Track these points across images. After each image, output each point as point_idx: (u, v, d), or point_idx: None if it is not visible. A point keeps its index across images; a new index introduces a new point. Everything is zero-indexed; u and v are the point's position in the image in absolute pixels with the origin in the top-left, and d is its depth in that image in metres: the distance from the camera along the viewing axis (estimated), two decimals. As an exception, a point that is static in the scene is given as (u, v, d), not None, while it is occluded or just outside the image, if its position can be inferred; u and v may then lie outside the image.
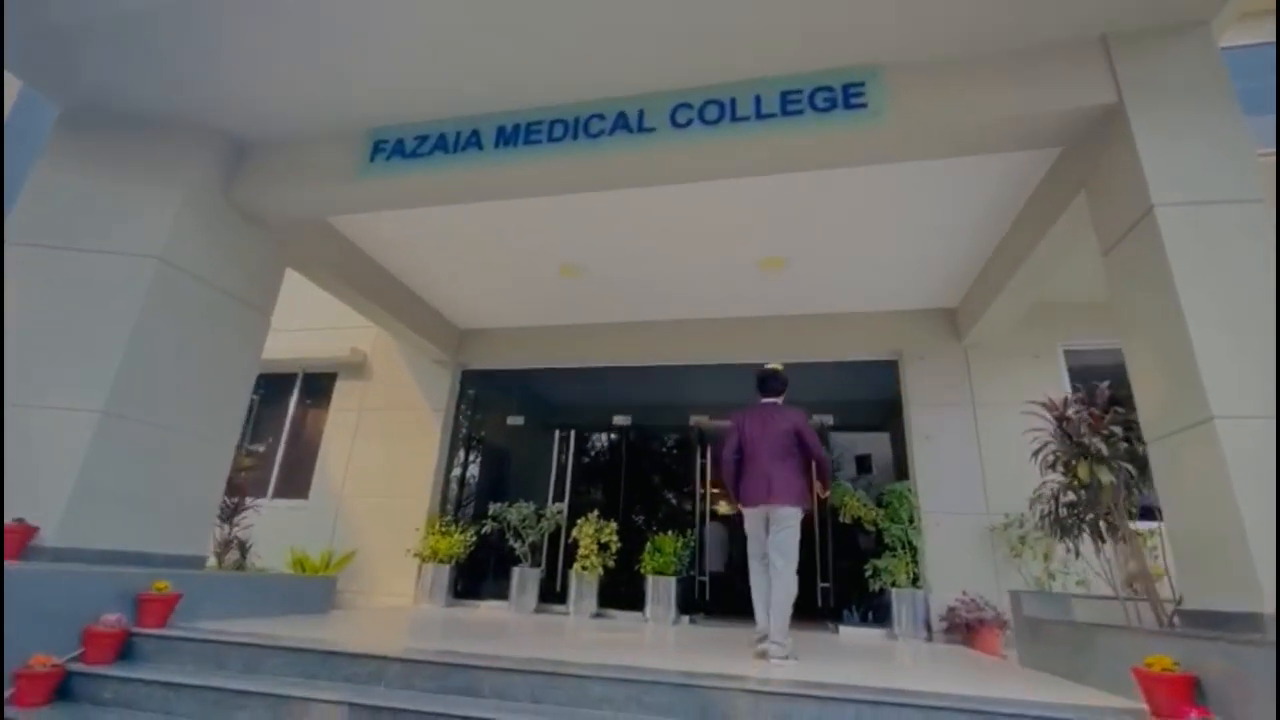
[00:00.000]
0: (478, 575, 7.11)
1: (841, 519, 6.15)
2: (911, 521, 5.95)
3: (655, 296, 6.87)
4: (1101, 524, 3.58)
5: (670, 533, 6.43)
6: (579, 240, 5.82)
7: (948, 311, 6.75)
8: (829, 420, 6.91)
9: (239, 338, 4.83)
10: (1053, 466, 3.87)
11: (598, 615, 6.29)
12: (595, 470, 7.54)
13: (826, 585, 6.61)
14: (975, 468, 6.12)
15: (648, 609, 6.09)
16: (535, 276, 6.55)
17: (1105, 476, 3.20)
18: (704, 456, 7.26)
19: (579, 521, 6.60)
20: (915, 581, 5.77)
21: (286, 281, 5.79)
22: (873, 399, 7.18)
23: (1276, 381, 2.78)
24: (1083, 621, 3.38)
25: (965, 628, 5.36)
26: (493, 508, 6.86)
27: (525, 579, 6.53)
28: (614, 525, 6.54)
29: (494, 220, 5.56)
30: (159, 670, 3.10)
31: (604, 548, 6.45)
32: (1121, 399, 3.44)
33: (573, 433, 7.45)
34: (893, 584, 5.73)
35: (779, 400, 4.30)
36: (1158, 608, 3.33)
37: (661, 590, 6.10)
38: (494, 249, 6.09)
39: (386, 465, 7.46)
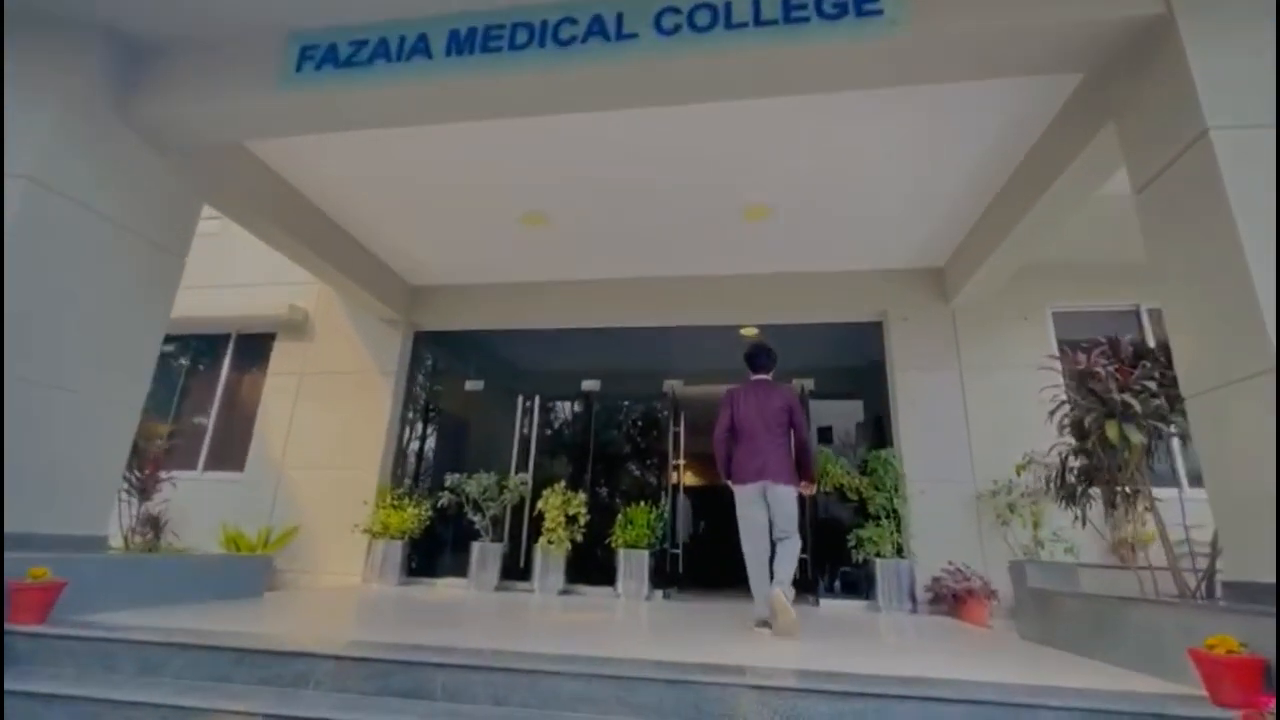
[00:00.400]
0: (434, 551, 6.59)
1: (823, 488, 5.83)
2: (896, 490, 5.67)
3: (627, 251, 6.34)
4: (1122, 489, 3.29)
5: (643, 504, 6.02)
6: (543, 182, 5.22)
7: (935, 271, 6.43)
8: (810, 385, 6.55)
9: (144, 283, 4.12)
10: (1069, 428, 3.55)
11: (565, 592, 5.87)
12: (562, 439, 7.06)
13: (805, 556, 6.32)
14: (961, 433, 5.86)
15: (619, 584, 5.70)
16: (495, 225, 5.93)
17: (1136, 436, 2.88)
18: (678, 424, 6.84)
19: (544, 493, 6.12)
20: (899, 552, 5.51)
21: (219, 233, 5.06)
22: (856, 363, 6.85)
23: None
24: (1109, 595, 3.09)
25: (952, 598, 5.13)
26: (450, 479, 6.32)
27: (486, 555, 6.04)
28: (582, 497, 6.09)
29: (447, 154, 4.91)
30: (27, 678, 2.51)
31: (571, 520, 6.00)
32: (1146, 353, 3.12)
33: (537, 399, 6.92)
34: (877, 554, 5.46)
35: (770, 377, 4.22)
36: (1180, 578, 3.06)
37: (634, 564, 5.70)
38: (448, 192, 5.44)
39: (332, 434, 6.81)
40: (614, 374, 7.07)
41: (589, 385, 6.93)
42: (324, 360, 7.14)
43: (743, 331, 7.07)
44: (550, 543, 5.86)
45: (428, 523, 6.42)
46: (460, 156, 4.94)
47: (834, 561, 6.00)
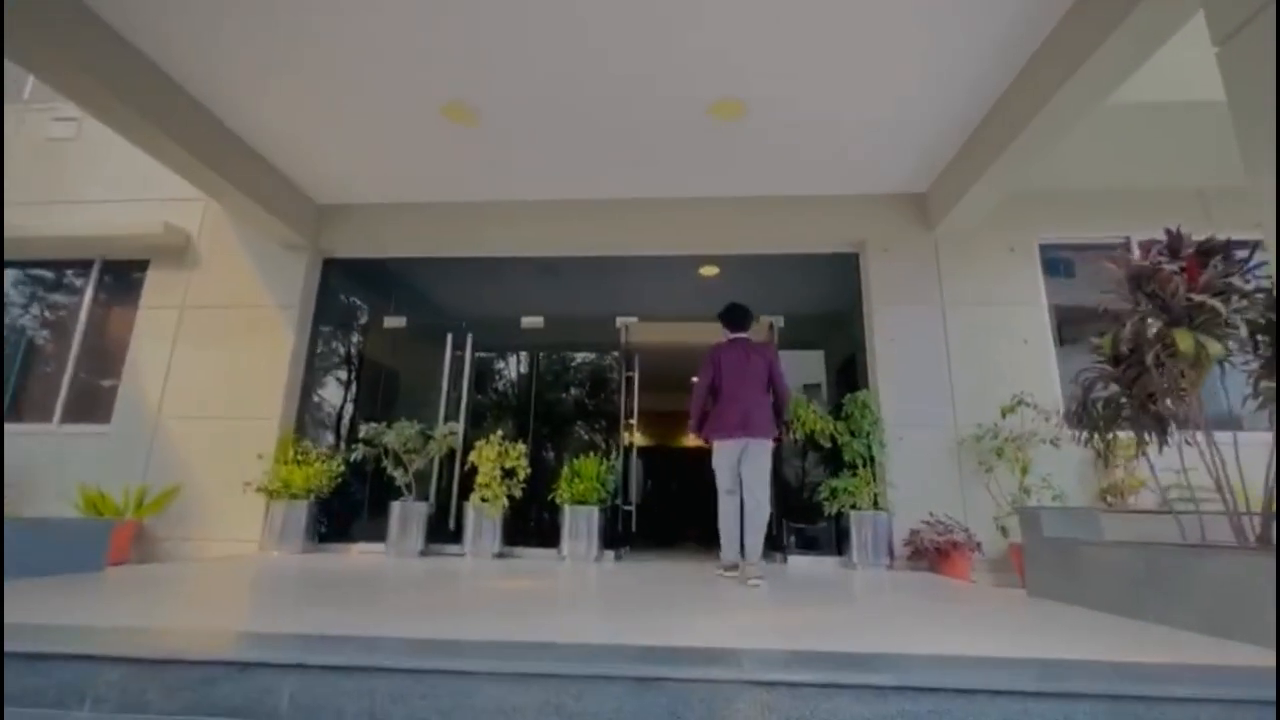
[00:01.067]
0: (348, 513, 5.67)
1: (793, 435, 5.22)
2: (871, 436, 5.10)
3: (572, 163, 5.43)
4: (1170, 420, 2.73)
5: (592, 455, 5.26)
6: (468, 59, 4.24)
7: (917, 198, 5.80)
8: (780, 323, 5.88)
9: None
10: (1099, 349, 2.97)
11: (502, 555, 5.10)
12: (498, 383, 6.19)
13: (772, 510, 5.75)
14: (943, 374, 5.33)
15: (565, 545, 4.96)
16: (414, 120, 4.90)
17: (1215, 347, 2.29)
18: (631, 367, 6.08)
19: (477, 444, 5.28)
20: (876, 503, 4.97)
21: (75, 137, 3.85)
22: (830, 298, 6.22)
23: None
24: (1164, 543, 2.54)
25: (935, 552, 4.63)
26: (365, 429, 5.38)
27: (408, 515, 5.18)
28: (522, 448, 5.27)
29: (355, 25, 3.86)
30: None
31: (509, 475, 5.20)
32: (1216, 248, 2.53)
33: (469, 338, 6.00)
34: (853, 506, 4.91)
35: (748, 335, 4.30)
36: (1239, 523, 2.53)
37: (581, 522, 4.96)
38: (351, 72, 4.38)
39: (220, 378, 5.72)
40: (559, 310, 6.21)
41: (530, 323, 6.05)
42: (210, 292, 5.98)
43: (702, 271, 6.33)
44: (484, 500, 5.05)
45: (339, 480, 5.49)
46: (372, 26, 3.90)
47: (803, 514, 5.44)
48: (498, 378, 6.24)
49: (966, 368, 5.32)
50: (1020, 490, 4.79)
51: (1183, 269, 2.46)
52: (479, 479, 5.09)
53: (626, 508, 5.82)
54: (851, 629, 2.39)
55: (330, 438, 6.00)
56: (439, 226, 6.09)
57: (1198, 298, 2.36)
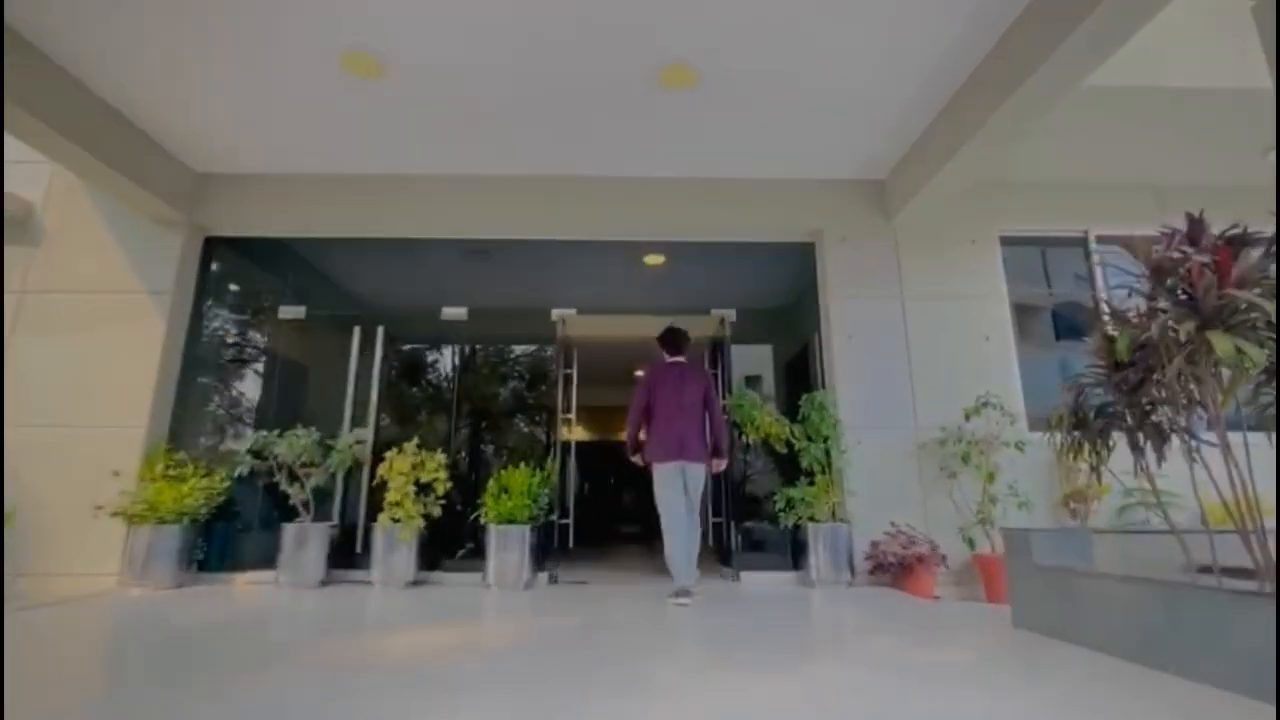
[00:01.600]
0: (235, 537, 4.85)
1: (745, 438, 4.76)
2: (826, 440, 4.70)
3: (499, 132, 4.76)
4: (1177, 431, 2.38)
5: (523, 465, 4.64)
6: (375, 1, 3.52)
7: (875, 185, 5.43)
8: (732, 316, 5.41)
9: None
10: (1099, 351, 2.60)
11: (416, 584, 4.41)
12: (414, 384, 5.45)
13: (720, 520, 5.31)
14: (903, 373, 5.00)
15: (490, 571, 4.33)
16: (309, 75, 4.11)
17: (1256, 353, 1.92)
18: (569, 364, 5.48)
19: (387, 455, 4.56)
20: (834, 514, 4.58)
21: None
22: (783, 292, 5.80)
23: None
24: (1183, 581, 2.17)
25: (899, 567, 4.27)
26: (253, 438, 4.57)
27: (305, 539, 4.43)
28: (441, 458, 4.60)
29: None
30: None
31: (425, 489, 4.52)
32: (1244, 240, 2.18)
33: (380, 331, 5.24)
34: (811, 518, 4.49)
35: (684, 359, 4.28)
36: (1256, 545, 2.19)
37: (511, 544, 4.35)
38: (237, 12, 3.57)
39: (71, 378, 4.76)
40: (485, 300, 5.53)
41: (452, 314, 5.35)
42: (60, 274, 4.99)
43: (647, 260, 5.79)
44: (396, 520, 4.36)
45: (222, 498, 4.66)
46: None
47: (754, 526, 5.01)
48: (416, 377, 5.50)
49: (927, 366, 5.00)
50: (985, 498, 4.50)
51: (1215, 261, 2.09)
52: (388, 496, 4.39)
53: (564, 522, 5.23)
54: (825, 697, 1.90)
55: (216, 447, 5.13)
56: (344, 202, 5.29)
57: (1234, 294, 1.98)
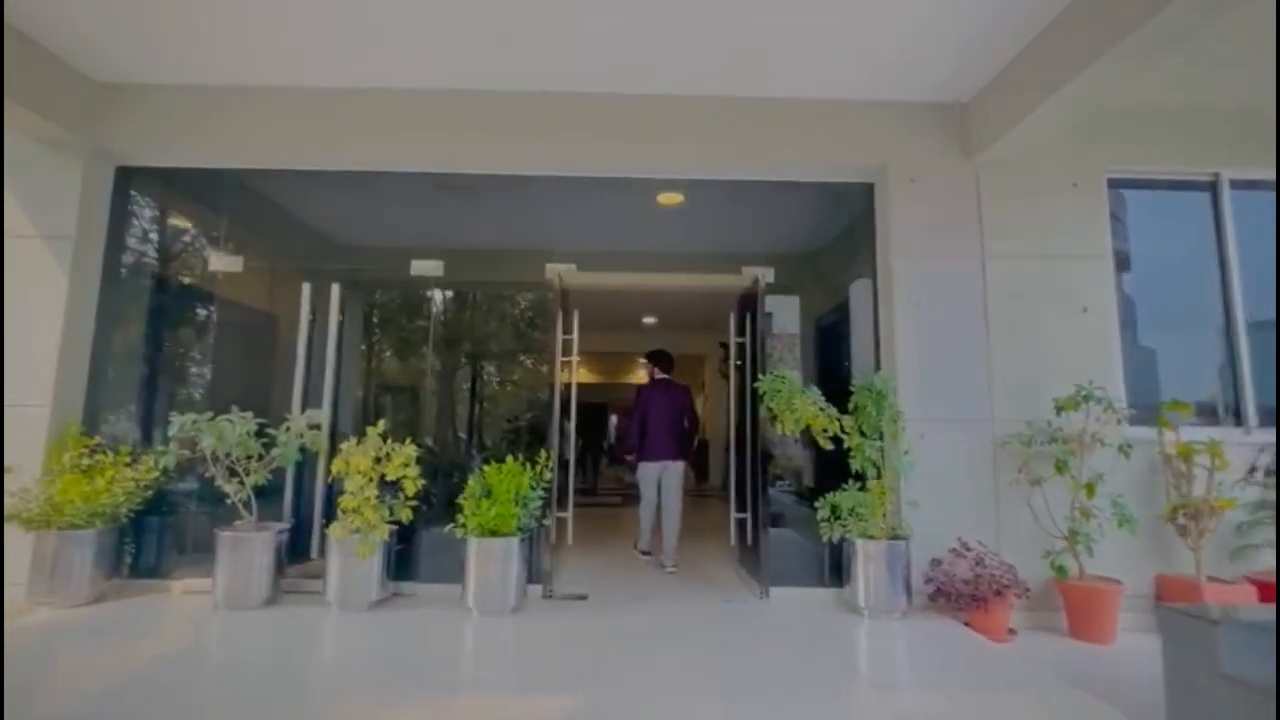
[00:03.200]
0: (170, 535, 4.09)
1: (783, 432, 3.87)
2: (881, 435, 3.81)
3: (483, 30, 3.62)
4: None
5: (514, 458, 3.79)
6: None
7: (954, 111, 4.29)
8: (768, 276, 4.41)
9: None
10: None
11: (379, 604, 3.66)
12: (381, 355, 4.54)
13: (744, 515, 4.52)
14: (980, 351, 4.05)
15: (470, 592, 3.56)
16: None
17: None
18: (569, 331, 4.54)
19: (343, 447, 3.71)
20: (894, 531, 3.76)
21: None
22: (819, 233, 4.79)
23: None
24: None
25: (970, 599, 3.48)
26: (178, 424, 3.69)
27: (245, 549, 3.64)
28: (410, 450, 3.74)
29: None
30: None
31: (392, 488, 3.70)
32: None
33: (336, 290, 4.28)
34: (865, 532, 3.67)
35: (669, 377, 5.35)
36: None
37: (495, 561, 3.56)
38: None
39: (-47, 346, 3.87)
40: (466, 252, 4.54)
41: (424, 268, 4.36)
42: (-69, 213, 3.99)
43: (661, 199, 4.75)
44: (356, 530, 3.55)
45: (150, 494, 3.86)
46: None
47: (793, 531, 4.22)
48: (382, 342, 4.59)
49: (1009, 344, 4.04)
50: (1078, 512, 3.65)
51: None
52: (343, 501, 3.57)
53: (562, 515, 4.45)
54: None
55: (149, 429, 4.29)
56: (290, 124, 4.20)
57: None
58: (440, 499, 4.20)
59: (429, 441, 4.49)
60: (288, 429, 3.75)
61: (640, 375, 17.05)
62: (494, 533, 3.55)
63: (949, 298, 4.09)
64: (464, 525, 3.58)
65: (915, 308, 4.07)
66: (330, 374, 4.15)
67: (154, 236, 4.46)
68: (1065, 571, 3.52)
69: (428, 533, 4.08)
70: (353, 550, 3.51)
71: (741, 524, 4.55)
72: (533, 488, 3.73)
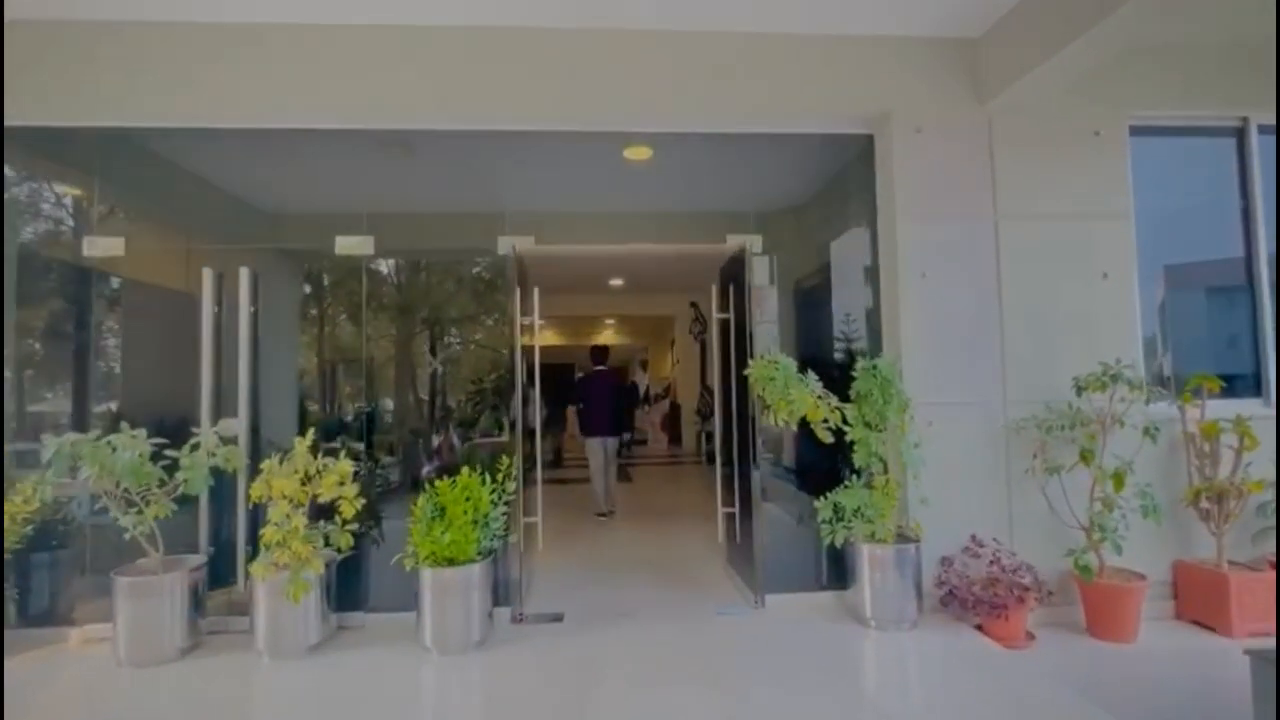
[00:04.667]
0: (57, 580, 3.44)
1: (777, 421, 3.40)
2: (879, 426, 3.38)
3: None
4: None
5: (469, 471, 3.25)
6: None
7: (964, 48, 3.74)
8: (756, 245, 3.87)
9: None
10: None
11: (320, 646, 3.13)
12: (304, 350, 3.89)
13: (731, 510, 4.12)
14: (991, 325, 3.64)
15: (427, 630, 3.06)
16: None
17: None
18: (527, 309, 3.94)
19: (263, 466, 3.10)
20: (902, 531, 3.39)
21: None
22: (802, 185, 4.27)
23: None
24: None
25: (988, 605, 3.15)
26: (53, 447, 3.01)
27: (149, 593, 3.05)
28: (346, 466, 3.16)
29: None
30: None
31: (324, 513, 3.14)
32: None
33: (245, 275, 3.58)
34: (873, 535, 3.30)
35: (605, 367, 6.71)
36: None
37: (453, 591, 3.06)
38: None
39: None
40: (402, 221, 3.87)
41: (351, 246, 3.68)
42: None
43: (627, 153, 4.13)
44: (281, 565, 2.99)
45: (34, 527, 3.21)
46: None
47: (790, 533, 3.84)
48: (303, 331, 3.93)
49: (1024, 316, 3.63)
50: (1099, 504, 3.34)
51: None
52: (266, 534, 2.99)
53: (531, 520, 3.96)
54: None
55: (32, 446, 3.58)
56: (171, 68, 3.39)
57: None
58: (402, 485, 3.65)
59: (387, 414, 3.92)
60: (194, 448, 3.11)
61: (607, 336, 16.65)
62: (450, 561, 3.04)
63: (958, 265, 3.63)
64: (413, 555, 3.06)
65: (922, 278, 3.60)
66: (245, 373, 3.48)
67: (21, 206, 3.63)
68: (1090, 572, 3.21)
69: (381, 545, 3.56)
70: (282, 591, 2.96)
71: (730, 518, 4.14)
72: (494, 503, 3.21)
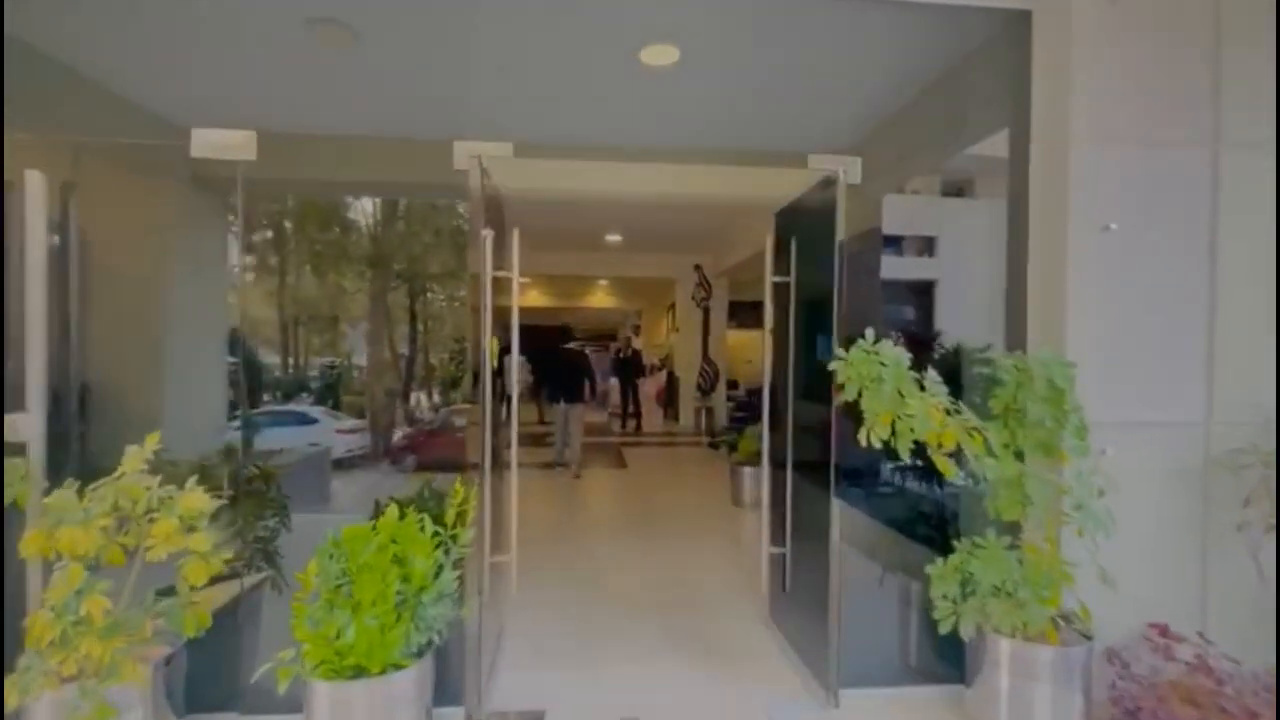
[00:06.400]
0: None
1: (869, 443, 2.19)
2: (1040, 455, 2.21)
3: None
4: None
5: (407, 509, 2.02)
6: None
7: (1181, -128, 2.42)
8: (855, 173, 2.58)
9: None
10: None
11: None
12: (184, 313, 2.59)
13: (782, 550, 2.96)
14: (1200, 309, 2.44)
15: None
16: None
17: None
18: (502, 242, 2.65)
19: (47, 502, 1.84)
20: (1066, 616, 2.25)
21: None
22: (906, 121, 3.00)
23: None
24: None
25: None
26: None
27: None
28: (202, 500, 1.91)
29: None
30: None
31: (169, 596, 1.90)
32: None
33: (36, 179, 2.22)
34: (1024, 626, 2.15)
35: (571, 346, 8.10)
36: None
37: (365, 712, 1.87)
38: None
39: None
40: (344, 124, 2.54)
41: (217, 145, 2.33)
42: None
43: (643, 56, 2.86)
44: (71, 679, 1.77)
45: None
46: None
47: (864, 590, 2.69)
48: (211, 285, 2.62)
49: (1248, 296, 2.44)
50: (1355, 581, 2.21)
51: None
52: (34, 625, 1.76)
53: (501, 559, 2.76)
54: None
55: None
56: None
57: None
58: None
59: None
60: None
61: (600, 298, 15.32)
62: (360, 671, 1.84)
63: (1160, 214, 2.41)
64: (301, 659, 1.85)
65: (1104, 231, 2.37)
66: (38, 342, 2.16)
67: None
68: (1358, 694, 2.10)
69: (283, 592, 2.36)
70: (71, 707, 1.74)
71: (779, 561, 2.99)
72: (440, 566, 2.00)
